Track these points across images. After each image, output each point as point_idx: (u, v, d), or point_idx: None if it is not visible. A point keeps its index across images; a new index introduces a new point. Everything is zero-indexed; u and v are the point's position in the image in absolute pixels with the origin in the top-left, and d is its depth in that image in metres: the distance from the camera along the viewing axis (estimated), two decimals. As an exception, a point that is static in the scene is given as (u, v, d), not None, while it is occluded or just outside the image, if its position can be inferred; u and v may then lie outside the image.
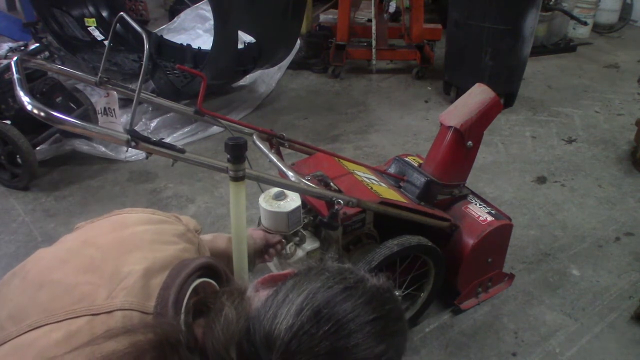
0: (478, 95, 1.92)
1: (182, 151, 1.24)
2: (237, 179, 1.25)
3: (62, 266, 0.83)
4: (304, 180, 1.51)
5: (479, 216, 1.97)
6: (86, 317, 0.74)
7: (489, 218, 1.96)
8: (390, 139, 3.43)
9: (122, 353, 0.64)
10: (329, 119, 3.70)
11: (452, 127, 1.88)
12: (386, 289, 0.79)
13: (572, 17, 4.81)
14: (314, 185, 1.52)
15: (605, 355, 1.90)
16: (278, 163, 1.58)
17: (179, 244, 0.92)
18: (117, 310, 0.75)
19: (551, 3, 4.61)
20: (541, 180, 2.97)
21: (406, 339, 0.80)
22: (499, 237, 2.00)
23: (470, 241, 1.90)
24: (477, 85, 1.99)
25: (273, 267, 1.78)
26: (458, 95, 2.03)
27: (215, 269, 0.88)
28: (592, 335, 1.98)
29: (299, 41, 4.03)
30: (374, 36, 4.23)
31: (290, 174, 1.52)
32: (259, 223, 1.75)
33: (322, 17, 5.12)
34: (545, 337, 1.97)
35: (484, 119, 1.90)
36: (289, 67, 4.27)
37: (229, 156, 1.24)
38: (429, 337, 1.97)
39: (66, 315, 0.74)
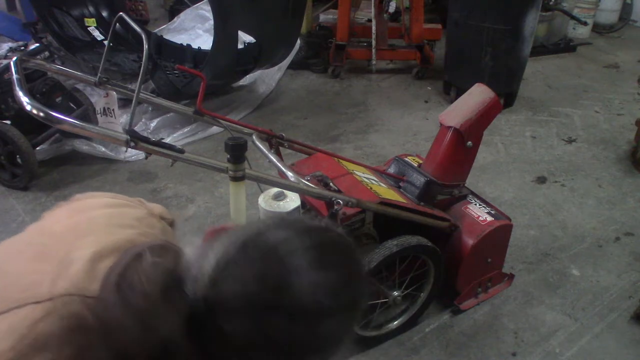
0: (478, 95, 1.92)
1: (181, 151, 1.24)
2: (236, 179, 1.25)
3: (16, 257, 0.81)
4: (303, 181, 1.51)
5: (479, 216, 1.97)
6: (30, 305, 0.72)
7: (489, 218, 1.96)
8: (390, 139, 3.43)
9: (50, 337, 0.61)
10: (329, 119, 3.70)
11: (452, 127, 1.88)
12: (330, 229, 0.73)
13: (572, 17, 4.81)
14: (313, 186, 1.53)
15: (605, 355, 1.90)
16: (277, 163, 1.58)
17: (137, 228, 0.88)
18: (59, 296, 0.72)
19: (551, 3, 4.61)
20: (541, 180, 2.97)
21: (361, 283, 0.72)
22: (498, 237, 2.00)
23: (470, 241, 1.90)
24: (476, 85, 1.99)
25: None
26: (458, 95, 2.03)
27: (170, 249, 0.82)
28: (592, 335, 1.98)
29: (299, 41, 4.03)
30: (374, 36, 4.22)
31: (289, 174, 1.52)
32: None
33: (322, 17, 5.12)
34: (545, 337, 1.97)
35: (483, 119, 1.90)
36: (289, 67, 4.27)
37: (228, 156, 1.24)
38: (429, 337, 1.97)
39: (11, 305, 0.72)
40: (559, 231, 2.54)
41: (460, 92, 2.08)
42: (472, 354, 1.90)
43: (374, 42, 4.25)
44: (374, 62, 4.33)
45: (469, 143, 1.91)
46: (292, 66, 4.34)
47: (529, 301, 2.13)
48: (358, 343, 1.90)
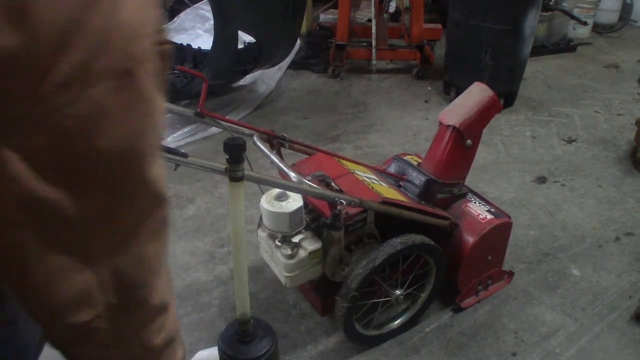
0: (477, 94, 1.93)
1: (184, 155, 1.24)
2: (236, 179, 1.25)
3: None
4: (305, 181, 1.51)
5: (479, 214, 1.97)
6: None
7: (489, 216, 1.96)
8: (390, 138, 3.43)
9: None
10: (329, 119, 3.70)
11: (451, 125, 1.88)
12: None
13: (572, 17, 4.81)
14: (316, 186, 1.53)
15: (605, 355, 1.90)
16: (279, 164, 1.59)
17: None
18: None
19: (551, 3, 4.61)
20: (541, 180, 2.97)
21: None
22: (499, 235, 2.00)
23: (470, 239, 1.90)
24: (475, 84, 1.99)
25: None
26: (458, 95, 2.04)
27: None
28: (592, 335, 1.98)
29: (299, 41, 4.03)
30: (374, 36, 4.23)
31: (292, 174, 1.52)
32: (259, 224, 1.76)
33: (322, 17, 5.12)
34: (545, 337, 1.97)
35: (482, 117, 1.91)
36: (289, 67, 4.27)
37: (227, 157, 1.24)
38: (429, 337, 1.97)
39: None
40: (559, 231, 2.54)
41: (460, 92, 2.08)
42: (472, 354, 1.91)
43: (374, 42, 4.25)
44: (374, 62, 4.34)
45: (469, 142, 1.91)
46: (292, 66, 4.34)
47: (529, 301, 2.13)
48: (358, 343, 1.90)
